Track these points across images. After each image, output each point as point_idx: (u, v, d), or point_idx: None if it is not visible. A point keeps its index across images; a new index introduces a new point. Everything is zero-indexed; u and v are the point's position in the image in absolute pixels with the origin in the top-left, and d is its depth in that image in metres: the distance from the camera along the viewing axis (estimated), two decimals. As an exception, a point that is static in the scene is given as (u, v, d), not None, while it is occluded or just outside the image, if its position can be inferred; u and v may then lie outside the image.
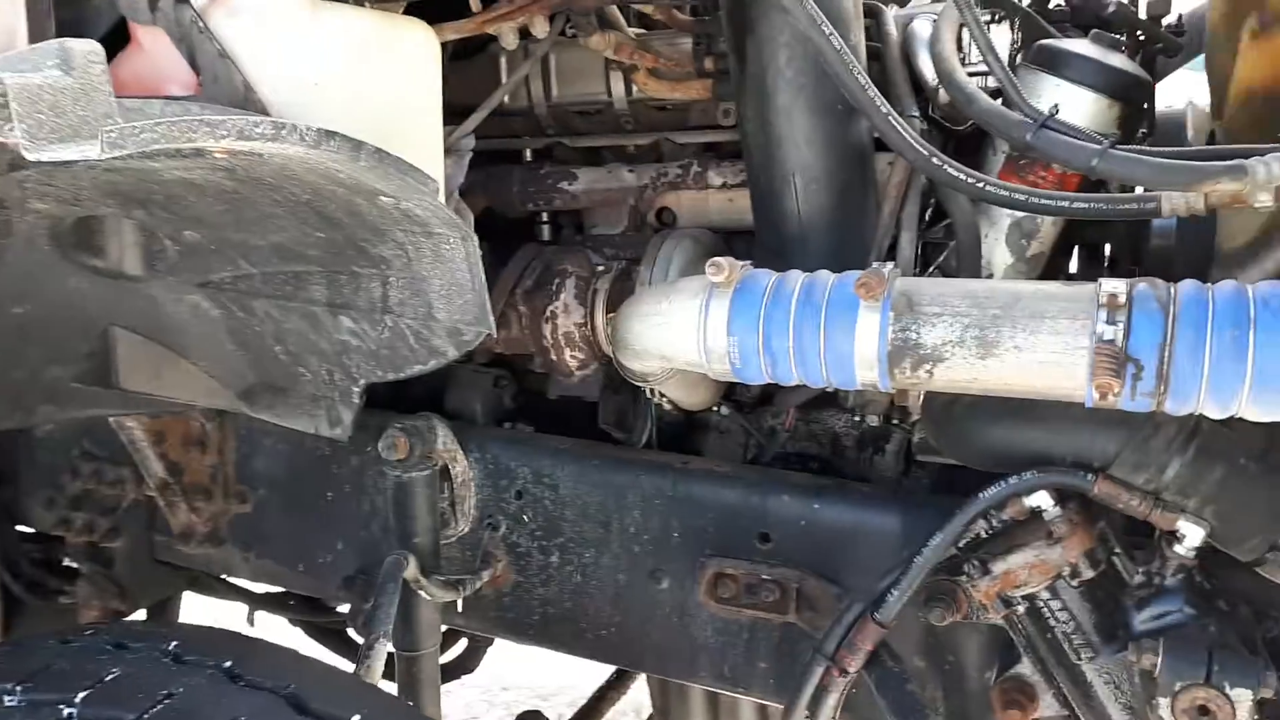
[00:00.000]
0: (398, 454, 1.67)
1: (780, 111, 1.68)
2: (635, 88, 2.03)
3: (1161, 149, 1.28)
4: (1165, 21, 1.87)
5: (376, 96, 1.34)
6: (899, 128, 1.42)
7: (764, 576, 1.66)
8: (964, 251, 1.65)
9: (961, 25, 1.66)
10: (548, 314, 1.88)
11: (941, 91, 1.67)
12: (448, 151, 1.61)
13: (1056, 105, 1.37)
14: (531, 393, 2.13)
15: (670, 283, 1.62)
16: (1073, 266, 2.05)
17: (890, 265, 1.39)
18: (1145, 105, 1.67)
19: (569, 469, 1.80)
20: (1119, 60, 1.63)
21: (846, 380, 1.41)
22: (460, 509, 1.82)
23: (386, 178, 1.12)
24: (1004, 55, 1.85)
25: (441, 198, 1.29)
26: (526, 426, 2.04)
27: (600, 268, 1.97)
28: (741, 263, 1.50)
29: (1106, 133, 1.43)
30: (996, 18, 1.85)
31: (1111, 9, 1.78)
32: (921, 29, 1.73)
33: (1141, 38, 1.83)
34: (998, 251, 1.73)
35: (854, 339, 1.37)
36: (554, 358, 1.90)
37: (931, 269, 1.82)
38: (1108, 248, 1.98)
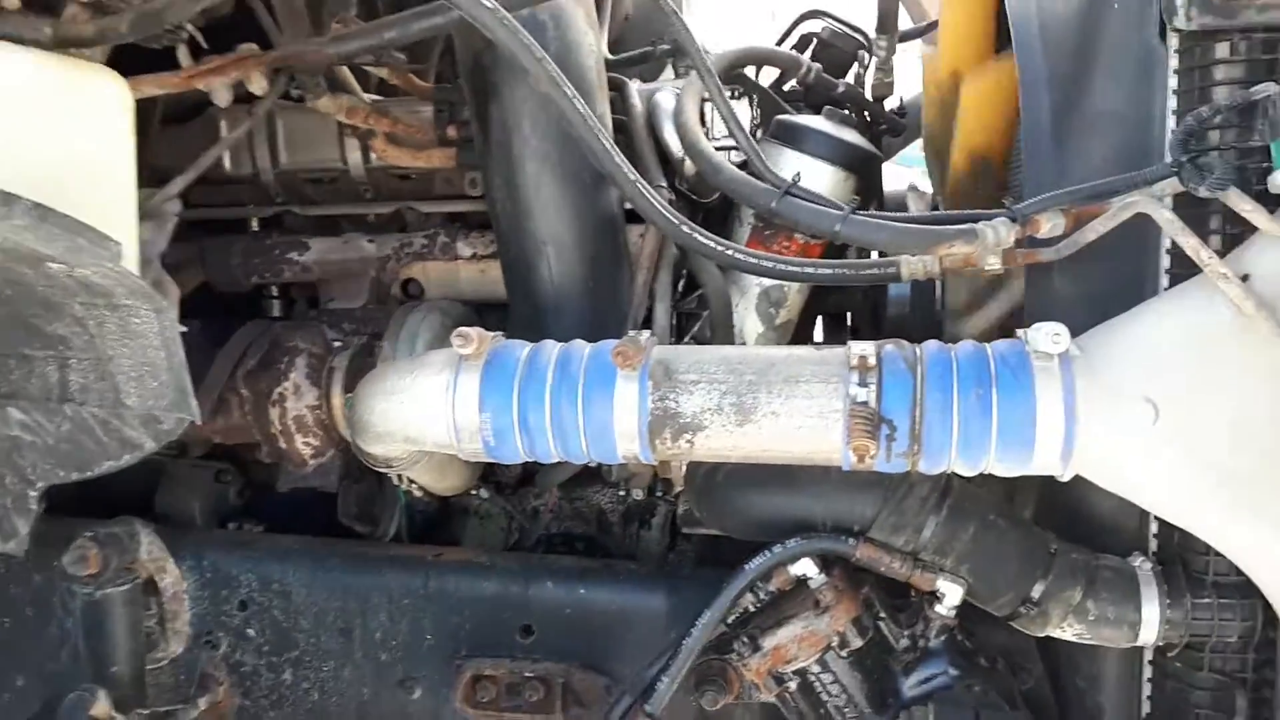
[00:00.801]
0: (88, 568, 1.41)
1: (528, 180, 1.61)
2: (374, 155, 1.91)
3: (898, 214, 1.32)
4: (888, 104, 1.99)
5: (47, 149, 1.14)
6: (648, 196, 1.38)
7: (527, 674, 1.52)
8: (716, 321, 1.63)
9: (705, 99, 1.67)
10: (275, 396, 1.68)
11: (688, 163, 1.67)
12: (146, 215, 1.41)
13: (799, 173, 1.39)
14: (260, 486, 1.90)
15: (415, 357, 1.49)
16: (818, 335, 2.10)
17: (647, 334, 1.34)
18: (876, 179, 1.74)
19: (302, 572, 1.59)
20: (852, 135, 1.70)
21: (608, 454, 1.33)
22: (171, 627, 1.56)
23: (50, 239, 0.93)
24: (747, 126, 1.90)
25: (132, 264, 1.10)
26: (255, 526, 1.81)
27: (337, 344, 1.80)
28: (492, 333, 1.40)
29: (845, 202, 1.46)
30: (736, 94, 1.89)
31: (841, 90, 1.87)
32: (665, 102, 1.73)
33: (868, 117, 1.93)
34: (748, 320, 1.74)
35: (613, 411, 1.29)
36: (283, 445, 1.69)
37: (686, 338, 1.79)
38: (849, 317, 2.05)
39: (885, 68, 1.89)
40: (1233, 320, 1.15)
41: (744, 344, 1.74)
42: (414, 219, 1.99)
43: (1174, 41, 1.31)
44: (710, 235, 1.41)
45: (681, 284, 1.76)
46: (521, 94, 1.58)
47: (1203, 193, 1.15)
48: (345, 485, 1.82)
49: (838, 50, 2.03)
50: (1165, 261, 1.33)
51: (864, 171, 1.70)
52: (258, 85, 1.58)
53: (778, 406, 1.25)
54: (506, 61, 1.56)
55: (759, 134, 1.88)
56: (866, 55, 2.03)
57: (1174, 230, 1.16)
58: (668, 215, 1.40)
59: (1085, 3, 1.42)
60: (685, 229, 1.41)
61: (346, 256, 1.94)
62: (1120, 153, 1.38)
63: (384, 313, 1.89)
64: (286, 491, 1.88)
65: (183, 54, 1.56)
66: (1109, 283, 1.35)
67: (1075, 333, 1.41)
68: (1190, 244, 1.15)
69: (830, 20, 2.04)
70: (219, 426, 1.70)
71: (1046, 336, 1.16)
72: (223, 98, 1.58)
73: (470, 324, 1.79)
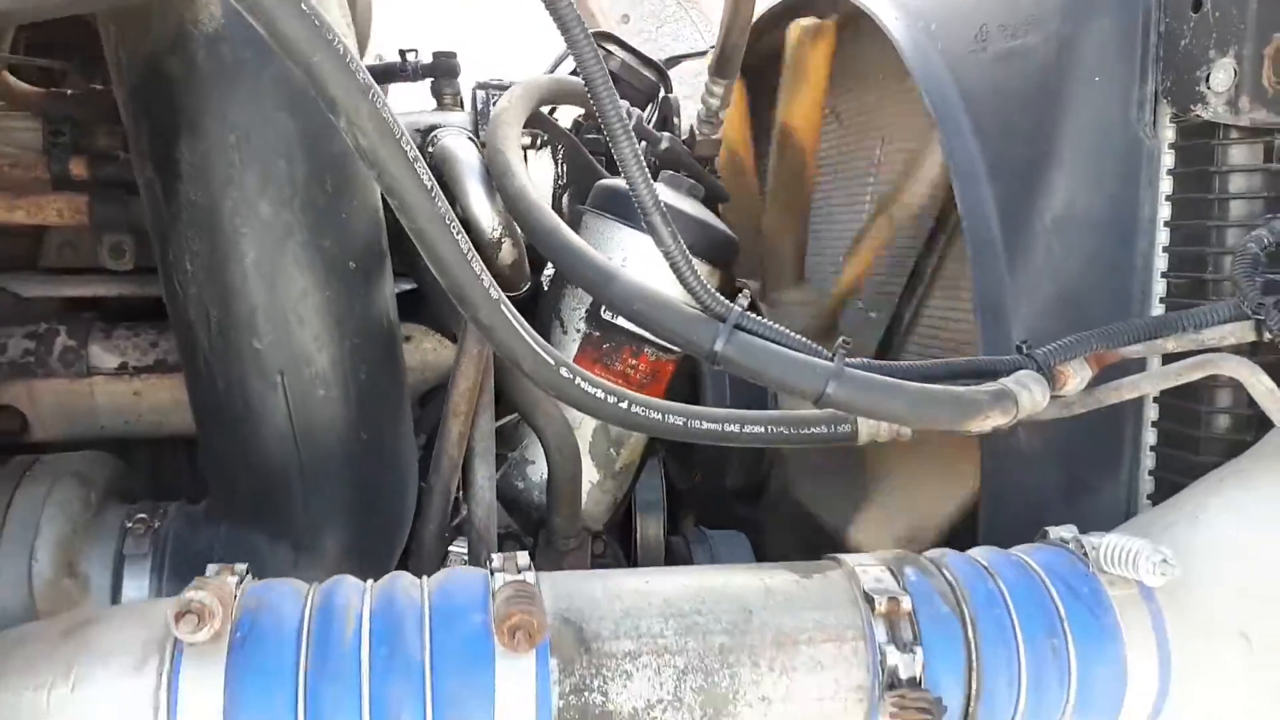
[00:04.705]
0: None
1: (252, 269, 0.98)
2: (-73, 197, 1.13)
3: (892, 364, 0.90)
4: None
5: None
6: (516, 323, 0.83)
7: None
8: (561, 478, 1.11)
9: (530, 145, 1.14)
10: None
11: (506, 246, 1.12)
12: None
13: (748, 292, 0.91)
14: None
15: (68, 628, 0.78)
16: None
17: (524, 563, 0.79)
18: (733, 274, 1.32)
19: None
20: (711, 216, 1.26)
21: (472, 788, 0.76)
22: None
23: None
24: (546, 192, 1.38)
25: None
26: None
27: None
28: (232, 575, 0.76)
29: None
30: (537, 143, 1.36)
31: (665, 145, 1.41)
32: (463, 151, 1.16)
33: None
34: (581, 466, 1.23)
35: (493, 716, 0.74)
36: None
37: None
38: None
39: (714, 120, 1.47)
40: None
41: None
42: (7, 306, 1.22)
43: (1169, 135, 1.03)
44: (600, 383, 0.90)
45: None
46: (247, 125, 0.94)
47: (1304, 354, 0.87)
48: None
49: (630, 89, 1.58)
50: (1152, 414, 1.06)
51: (729, 263, 1.27)
52: None
53: (770, 688, 0.78)
54: (223, 70, 0.92)
55: (564, 198, 1.38)
56: (668, 96, 1.60)
57: (1275, 406, 0.87)
58: (543, 353, 0.86)
59: (1042, 72, 1.11)
60: (565, 374, 0.87)
61: (-124, 372, 1.13)
62: (1093, 270, 1.09)
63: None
64: None
65: None
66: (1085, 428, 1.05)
67: (1043, 494, 1.14)
68: (1298, 428, 0.86)
69: (621, 49, 1.58)
70: None
71: (1150, 564, 0.81)
72: None
73: (129, 488, 1.12)
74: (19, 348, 1.19)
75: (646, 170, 0.83)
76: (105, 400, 1.21)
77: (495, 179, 1.07)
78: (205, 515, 1.07)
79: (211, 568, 0.78)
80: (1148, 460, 1.08)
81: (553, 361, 0.87)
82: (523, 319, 0.84)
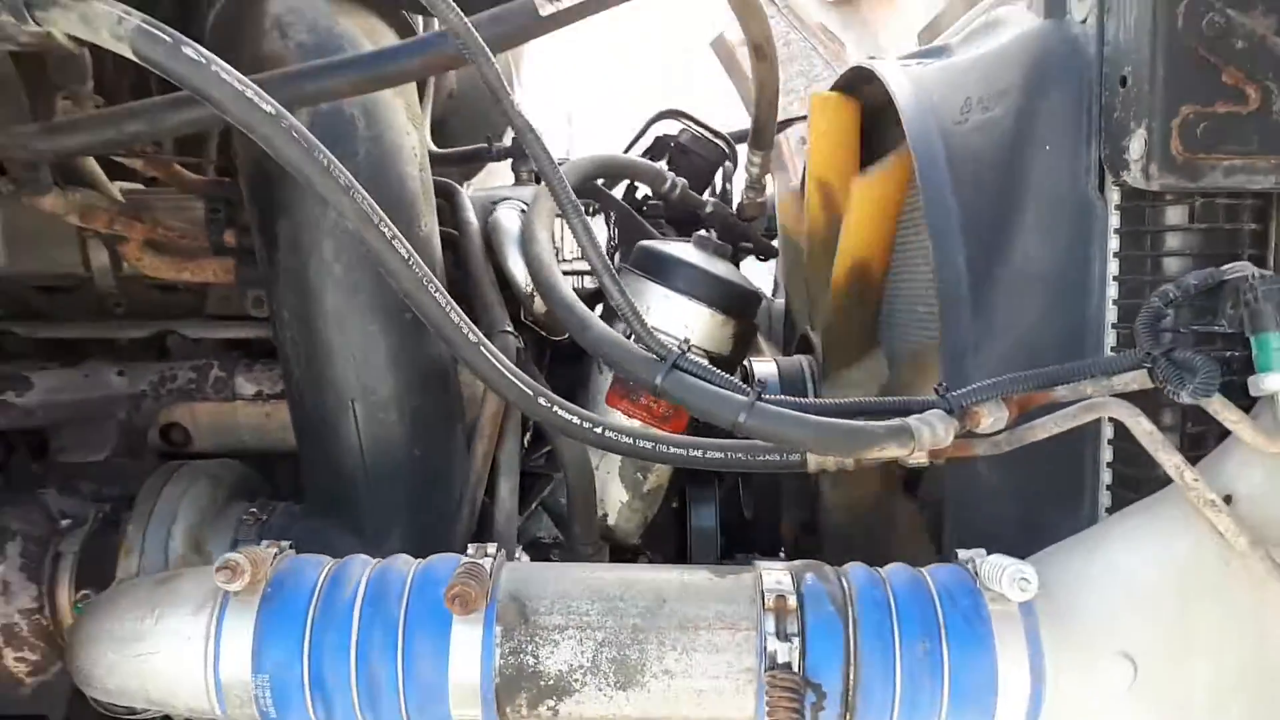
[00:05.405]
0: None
1: (329, 318, 1.25)
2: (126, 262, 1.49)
3: (810, 401, 1.05)
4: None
5: None
6: (495, 362, 1.05)
7: None
8: (577, 499, 1.32)
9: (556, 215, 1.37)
10: (-34, 606, 1.22)
11: (539, 299, 1.36)
12: None
13: (688, 341, 1.10)
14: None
15: (162, 579, 1.07)
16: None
17: (491, 555, 1.00)
18: (754, 324, 1.48)
19: None
20: (732, 272, 1.44)
21: (436, 724, 0.98)
22: None
23: None
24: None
25: None
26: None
27: (66, 521, 1.35)
28: (275, 549, 1.02)
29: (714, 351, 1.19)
30: (591, 210, 1.59)
31: (710, 209, 1.61)
32: (508, 222, 1.41)
33: (735, 241, 1.68)
34: (611, 487, 1.44)
35: (448, 668, 0.95)
36: (-22, 675, 1.23)
37: (533, 504, 1.47)
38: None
39: (757, 185, 1.65)
40: (1218, 553, 0.95)
41: (604, 515, 1.43)
42: (179, 346, 1.57)
43: (1115, 197, 1.12)
44: (577, 410, 1.10)
45: (527, 437, 1.44)
46: (320, 211, 1.23)
47: (1184, 398, 0.95)
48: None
49: (698, 158, 1.78)
50: (1107, 456, 1.14)
51: (744, 315, 1.44)
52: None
53: (672, 663, 0.95)
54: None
55: (615, 258, 1.60)
56: (730, 165, 1.79)
57: (1154, 445, 0.95)
58: (521, 386, 1.07)
59: (1007, 140, 1.22)
60: (543, 402, 1.09)
61: (86, 395, 1.50)
62: (1050, 321, 1.18)
63: (137, 469, 1.45)
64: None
65: None
66: (1046, 468, 1.14)
67: (1001, 527, 1.23)
68: (1173, 463, 0.94)
69: (690, 123, 1.79)
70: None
71: (1011, 580, 0.92)
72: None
73: (253, 490, 1.42)
74: (185, 377, 1.53)
75: (596, 239, 1.04)
76: (245, 420, 1.53)
77: (523, 243, 1.30)
78: (301, 513, 1.35)
79: (265, 542, 1.04)
80: (1104, 500, 1.16)
81: (531, 392, 1.08)
82: (503, 357, 1.06)
